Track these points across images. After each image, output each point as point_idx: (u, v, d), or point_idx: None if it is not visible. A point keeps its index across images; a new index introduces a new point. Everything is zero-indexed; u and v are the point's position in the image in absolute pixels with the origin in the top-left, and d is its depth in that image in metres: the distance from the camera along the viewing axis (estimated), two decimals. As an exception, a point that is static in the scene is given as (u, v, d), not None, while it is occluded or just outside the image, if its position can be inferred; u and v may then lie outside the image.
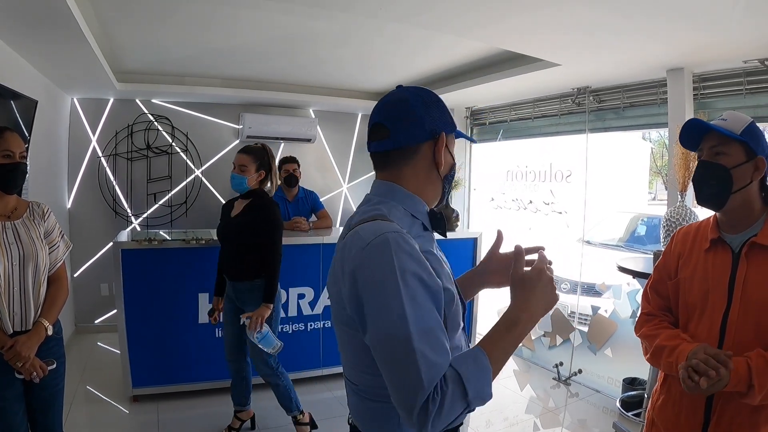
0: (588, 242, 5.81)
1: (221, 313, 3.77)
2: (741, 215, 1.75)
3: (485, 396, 1.18)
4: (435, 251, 1.37)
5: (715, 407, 1.69)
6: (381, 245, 1.19)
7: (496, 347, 1.22)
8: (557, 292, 1.28)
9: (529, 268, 1.31)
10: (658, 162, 15.47)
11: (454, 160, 1.45)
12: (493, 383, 1.20)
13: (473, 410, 1.19)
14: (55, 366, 2.51)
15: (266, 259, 3.51)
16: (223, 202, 6.43)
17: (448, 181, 1.44)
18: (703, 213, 5.21)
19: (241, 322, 3.49)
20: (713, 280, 1.77)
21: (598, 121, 5.14)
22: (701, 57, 3.78)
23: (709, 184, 1.75)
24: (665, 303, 1.96)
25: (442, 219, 1.43)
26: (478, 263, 1.64)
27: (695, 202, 1.85)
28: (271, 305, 3.49)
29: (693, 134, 1.81)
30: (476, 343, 1.23)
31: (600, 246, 6.60)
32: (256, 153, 3.60)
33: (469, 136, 1.45)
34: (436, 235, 1.45)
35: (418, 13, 3.22)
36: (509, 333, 1.24)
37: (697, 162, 1.81)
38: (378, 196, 1.40)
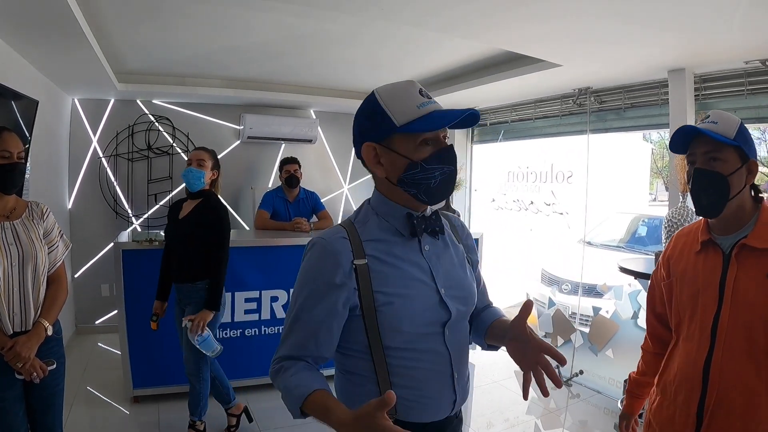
0: (589, 243, 5.80)
1: (174, 320, 3.76)
2: (732, 218, 1.72)
3: (289, 410, 1.35)
4: (400, 258, 1.45)
5: (707, 408, 1.68)
6: (306, 248, 1.47)
7: (321, 408, 1.29)
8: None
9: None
10: (658, 163, 15.42)
11: (409, 158, 1.40)
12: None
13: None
14: (55, 366, 2.51)
15: (214, 262, 3.50)
16: (224, 202, 6.56)
17: (405, 184, 1.42)
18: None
19: (183, 325, 3.48)
20: (704, 282, 1.75)
21: (599, 122, 5.13)
22: (702, 58, 3.77)
23: (708, 193, 1.69)
24: (658, 320, 1.98)
25: (416, 227, 1.46)
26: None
27: (695, 213, 1.81)
28: (215, 311, 3.50)
29: (684, 138, 1.77)
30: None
31: (601, 247, 6.58)
32: (212, 152, 3.65)
33: (430, 119, 1.31)
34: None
35: (425, 16, 3.23)
36: (330, 420, 1.26)
37: (691, 169, 1.75)
38: (368, 200, 1.55)
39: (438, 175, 1.40)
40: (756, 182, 1.75)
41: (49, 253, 2.56)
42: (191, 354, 3.57)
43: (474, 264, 1.67)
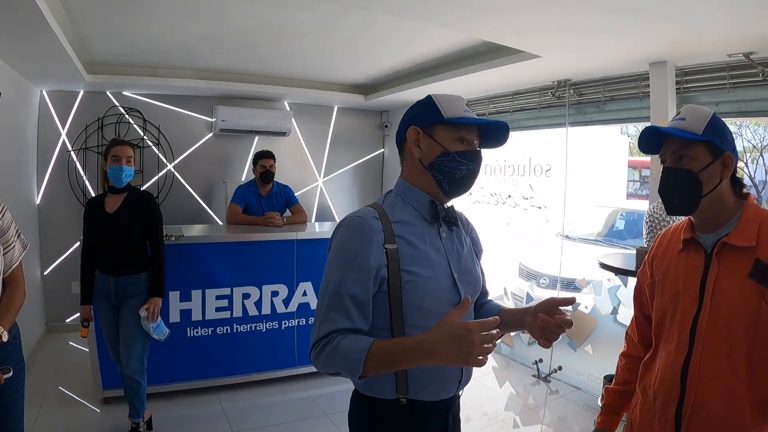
0: (567, 237, 5.76)
1: (102, 319, 3.68)
2: (712, 215, 1.66)
3: (350, 373, 1.42)
4: (422, 240, 1.61)
5: (685, 413, 1.62)
6: (340, 224, 1.59)
7: (386, 351, 1.40)
8: (480, 358, 1.30)
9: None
10: (636, 156, 15.46)
11: (445, 147, 1.60)
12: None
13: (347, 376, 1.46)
14: (11, 374, 2.36)
15: (155, 250, 3.63)
16: (197, 197, 6.52)
17: (435, 169, 1.61)
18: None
19: (142, 315, 3.52)
20: (684, 282, 1.69)
21: (578, 115, 5.08)
22: (685, 50, 3.72)
23: (678, 193, 1.64)
24: (649, 322, 1.89)
25: (438, 213, 1.64)
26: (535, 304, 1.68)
27: (666, 212, 1.75)
28: (163, 297, 3.65)
29: (652, 140, 1.71)
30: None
31: (579, 240, 6.56)
32: (133, 145, 3.70)
33: (475, 118, 1.64)
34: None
35: (404, 4, 3.15)
36: (404, 352, 1.38)
37: (661, 169, 1.71)
38: (390, 191, 1.73)
39: (464, 169, 1.61)
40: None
41: (4, 254, 2.40)
42: (137, 350, 3.59)
43: (479, 254, 1.84)
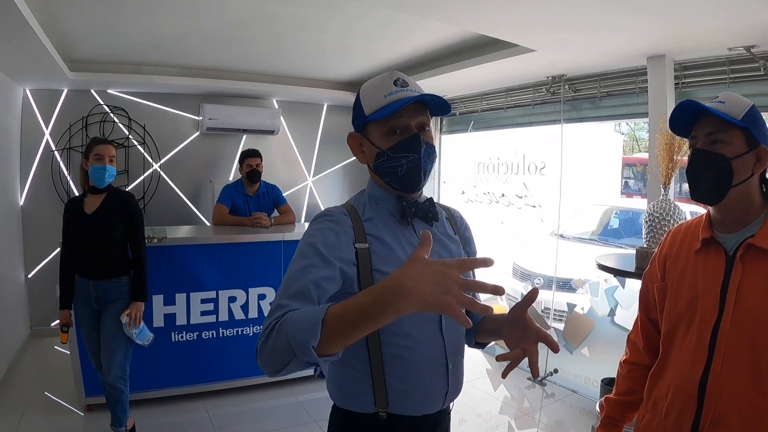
0: (561, 236, 5.69)
1: (83, 325, 3.58)
2: (738, 213, 1.54)
3: (303, 345, 1.08)
4: (396, 239, 1.48)
5: (702, 429, 1.49)
6: (311, 221, 1.48)
7: (346, 304, 1.10)
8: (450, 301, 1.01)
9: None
10: (628, 154, 15.47)
11: (378, 147, 1.47)
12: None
13: (307, 365, 1.13)
14: None
15: (136, 253, 3.53)
16: (183, 197, 6.39)
17: (378, 172, 1.50)
18: (688, 207, 5.07)
19: (124, 321, 3.41)
20: (703, 286, 1.56)
21: (574, 111, 5.00)
22: (684, 44, 3.63)
23: (707, 177, 1.52)
24: (656, 328, 1.77)
25: (406, 210, 1.52)
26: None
27: (690, 197, 1.62)
28: (145, 301, 3.54)
29: (686, 118, 1.58)
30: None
31: (573, 240, 6.49)
32: (115, 145, 3.65)
33: (388, 106, 1.41)
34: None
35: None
36: (367, 295, 1.08)
37: (690, 151, 1.58)
38: (363, 190, 1.61)
39: (404, 163, 1.45)
40: None
41: None
42: (119, 356, 3.48)
43: (472, 256, 1.68)
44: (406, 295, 1.01)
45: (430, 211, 1.55)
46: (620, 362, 1.92)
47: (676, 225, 1.79)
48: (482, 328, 1.64)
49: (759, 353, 1.43)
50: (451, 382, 1.53)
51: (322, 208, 5.79)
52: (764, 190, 1.57)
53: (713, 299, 1.52)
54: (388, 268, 1.39)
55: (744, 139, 1.49)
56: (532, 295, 1.39)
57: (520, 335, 1.41)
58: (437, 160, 1.61)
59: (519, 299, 4.52)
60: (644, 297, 1.83)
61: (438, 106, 1.49)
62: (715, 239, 1.58)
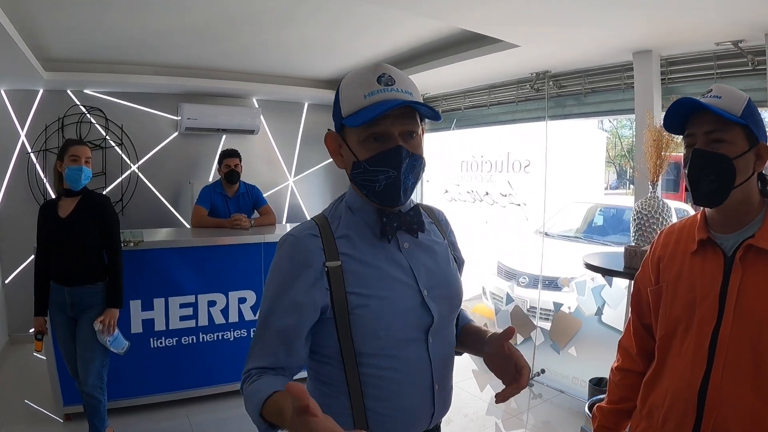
0: (546, 234, 5.65)
1: (58, 332, 3.50)
2: (737, 213, 1.47)
3: (255, 423, 1.20)
4: (375, 255, 1.35)
5: None
6: (278, 245, 1.36)
7: (272, 413, 1.16)
8: None
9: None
10: (610, 152, 15.53)
11: (356, 156, 1.31)
12: None
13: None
14: None
15: (111, 258, 3.44)
16: (162, 199, 6.28)
17: (354, 182, 1.35)
18: (673, 204, 5.01)
19: (97, 328, 3.31)
20: (701, 289, 1.48)
21: (558, 108, 4.95)
22: (671, 38, 3.59)
23: (710, 179, 1.44)
24: (650, 334, 1.70)
25: (386, 224, 1.35)
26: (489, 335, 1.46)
27: (693, 201, 1.54)
28: (120, 307, 3.44)
29: (680, 114, 1.51)
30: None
31: (558, 237, 6.48)
32: (88, 145, 3.53)
33: (367, 112, 1.22)
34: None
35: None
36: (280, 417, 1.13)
37: (689, 152, 1.50)
38: (344, 194, 1.45)
39: (383, 178, 1.28)
40: None
41: None
42: (96, 364, 3.40)
43: (459, 264, 1.56)
44: None
45: (414, 223, 1.39)
46: (612, 369, 1.85)
47: (664, 221, 1.73)
48: (461, 340, 1.57)
49: (761, 358, 1.37)
50: (438, 402, 1.42)
51: (304, 209, 5.69)
52: (761, 186, 1.51)
53: (712, 303, 1.45)
54: (364, 289, 1.29)
55: (744, 136, 1.43)
56: (507, 334, 1.34)
57: (502, 365, 1.36)
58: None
59: (504, 298, 4.47)
60: (636, 301, 1.76)
61: (428, 110, 1.31)
62: (713, 240, 1.51)
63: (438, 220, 1.57)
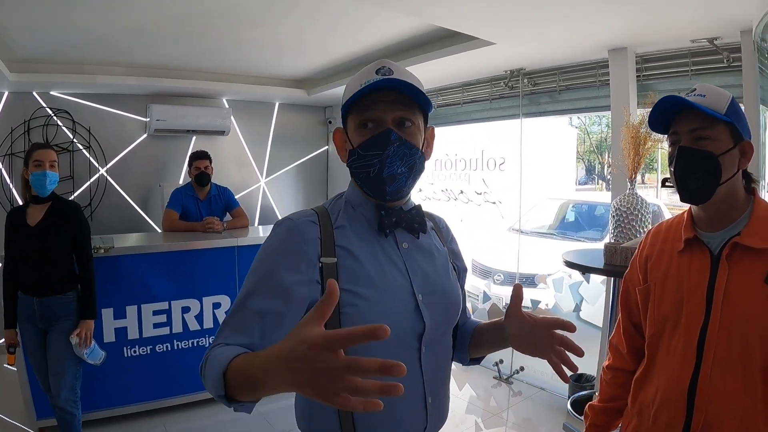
0: (520, 231, 5.67)
1: (28, 344, 3.39)
2: (723, 210, 1.48)
3: (212, 388, 1.02)
4: (372, 252, 1.30)
5: None
6: (273, 226, 1.31)
7: (245, 364, 0.98)
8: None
9: None
10: (579, 148, 15.69)
11: (351, 143, 1.30)
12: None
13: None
14: None
15: (83, 267, 3.34)
16: (132, 203, 6.16)
17: (351, 172, 1.32)
18: (655, 200, 5.03)
19: (74, 342, 3.24)
20: (688, 288, 1.49)
21: (533, 105, 4.97)
22: (647, 36, 3.61)
23: (696, 176, 1.45)
24: (640, 333, 1.70)
25: (384, 220, 1.31)
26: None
27: (680, 198, 1.55)
28: (95, 318, 3.37)
29: (665, 113, 1.51)
30: None
31: (532, 234, 6.51)
32: (56, 150, 3.38)
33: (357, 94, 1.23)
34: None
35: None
36: (261, 367, 0.92)
37: (674, 150, 1.50)
38: (343, 192, 1.42)
39: (377, 162, 1.25)
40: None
41: None
42: (68, 378, 3.30)
43: (460, 272, 1.51)
44: (285, 385, 0.86)
45: (416, 221, 1.35)
46: (603, 368, 1.85)
47: (643, 218, 1.73)
48: (477, 342, 1.51)
49: (750, 355, 1.38)
50: (431, 415, 1.34)
51: (276, 210, 5.60)
52: (745, 185, 1.51)
53: (699, 301, 1.46)
54: (358, 287, 1.23)
55: (729, 134, 1.44)
56: (517, 293, 1.29)
57: (530, 337, 1.28)
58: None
59: (480, 296, 4.46)
60: (625, 300, 1.76)
61: (418, 94, 1.28)
62: (699, 239, 1.52)
63: (439, 227, 1.53)
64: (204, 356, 1.12)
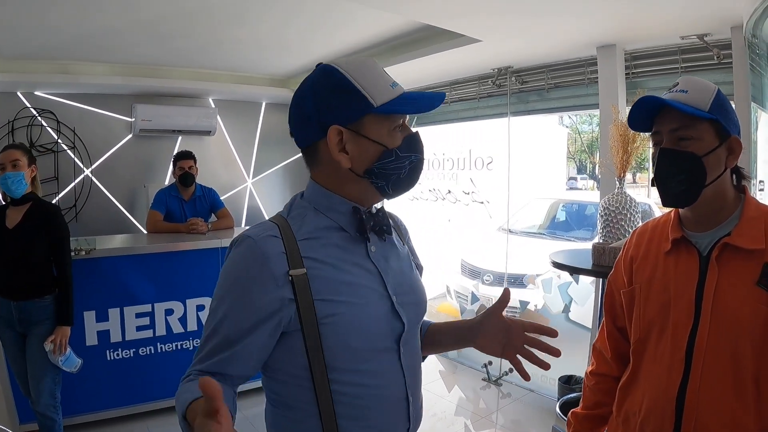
0: (510, 231, 5.63)
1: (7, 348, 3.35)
2: (711, 210, 1.41)
3: (181, 425, 1.07)
4: (343, 259, 1.25)
5: None
6: (231, 245, 1.26)
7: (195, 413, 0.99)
8: None
9: None
10: (571, 147, 15.69)
11: (385, 145, 1.22)
12: None
13: None
14: None
15: (61, 271, 3.25)
16: (117, 204, 6.08)
17: (374, 174, 1.23)
18: (646, 199, 5.00)
19: (48, 348, 3.16)
20: (676, 290, 1.43)
21: (521, 104, 4.95)
22: (636, 33, 3.59)
23: (678, 180, 1.38)
24: (625, 337, 1.64)
25: (364, 223, 1.27)
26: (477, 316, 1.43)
27: (661, 203, 1.48)
28: (71, 325, 3.27)
29: (644, 114, 1.44)
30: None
31: (521, 234, 6.47)
32: (23, 147, 3.29)
33: (410, 107, 1.23)
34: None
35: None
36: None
37: (656, 151, 1.43)
38: (301, 194, 1.34)
39: (407, 164, 1.25)
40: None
41: None
42: (47, 383, 3.24)
43: (420, 270, 1.50)
44: None
45: (384, 223, 1.32)
46: (586, 373, 1.80)
47: (632, 217, 1.68)
48: (429, 342, 1.51)
49: (740, 362, 1.32)
50: (413, 415, 1.34)
51: (263, 211, 5.54)
52: (736, 183, 1.45)
53: (688, 304, 1.40)
54: (333, 295, 1.19)
55: (714, 131, 1.36)
56: (505, 297, 1.35)
57: (502, 338, 1.35)
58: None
59: (469, 297, 4.41)
60: (610, 304, 1.70)
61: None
62: (687, 239, 1.46)
63: (398, 225, 1.51)
64: (181, 379, 1.19)
